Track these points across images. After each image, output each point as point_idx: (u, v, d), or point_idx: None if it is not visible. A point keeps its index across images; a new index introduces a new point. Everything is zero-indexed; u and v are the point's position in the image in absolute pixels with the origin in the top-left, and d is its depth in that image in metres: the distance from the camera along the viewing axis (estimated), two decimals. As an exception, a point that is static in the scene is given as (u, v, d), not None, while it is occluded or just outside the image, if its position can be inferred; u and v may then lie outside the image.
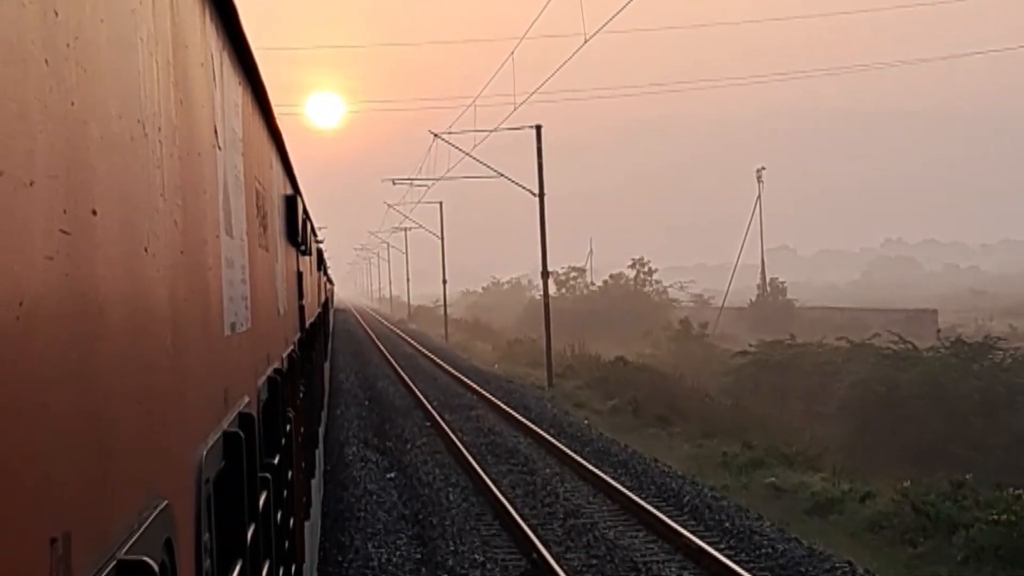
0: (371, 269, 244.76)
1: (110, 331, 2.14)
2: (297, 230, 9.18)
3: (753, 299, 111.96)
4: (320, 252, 24.42)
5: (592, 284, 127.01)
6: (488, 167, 55.80)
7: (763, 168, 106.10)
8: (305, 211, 11.39)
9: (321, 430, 21.18)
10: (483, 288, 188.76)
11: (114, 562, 1.99)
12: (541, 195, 51.14)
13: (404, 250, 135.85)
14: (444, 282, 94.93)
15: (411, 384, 45.49)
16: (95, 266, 2.04)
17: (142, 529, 2.22)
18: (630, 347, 72.97)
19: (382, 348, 70.47)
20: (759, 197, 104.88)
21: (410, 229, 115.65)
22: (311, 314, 14.62)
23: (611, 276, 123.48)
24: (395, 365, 55.50)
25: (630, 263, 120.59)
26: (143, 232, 2.48)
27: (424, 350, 69.20)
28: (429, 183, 78.36)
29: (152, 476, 2.46)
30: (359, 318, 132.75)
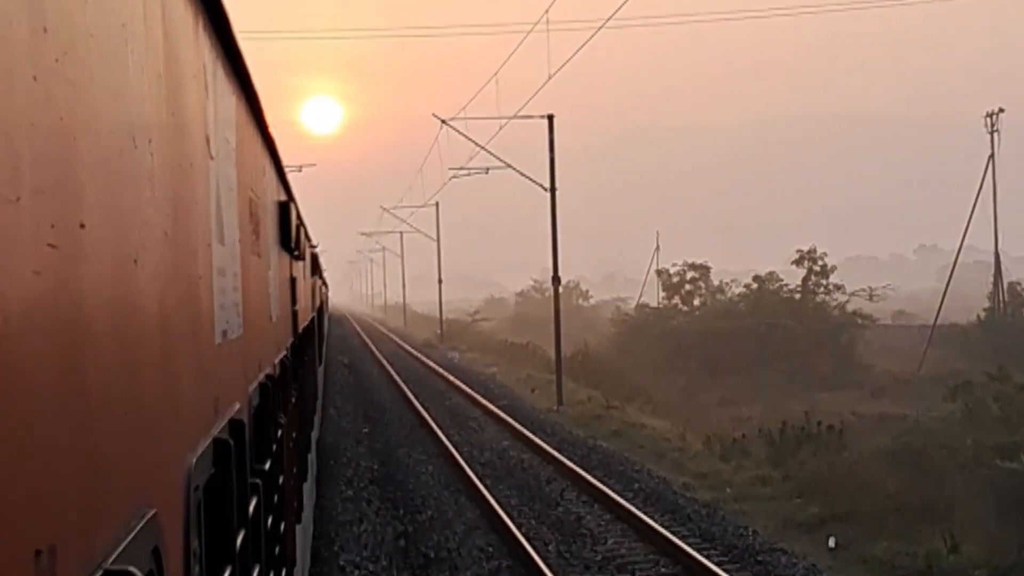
0: (374, 270, 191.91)
1: (98, 343, 2.16)
2: (290, 236, 9.19)
3: (981, 315, 74.55)
4: (315, 256, 24.45)
5: (724, 290, 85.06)
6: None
7: (1000, 110, 72.63)
8: (299, 216, 11.41)
9: (314, 434, 21.18)
10: (518, 294, 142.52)
11: (100, 572, 2.01)
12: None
13: (435, 235, 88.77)
14: (556, 279, 44.75)
15: None
16: (83, 279, 2.06)
17: (129, 538, 2.24)
18: (860, 405, 45.58)
19: (457, 456, 27.30)
20: (992, 156, 72.82)
21: (473, 170, 59.71)
22: (304, 319, 14.64)
23: (755, 279, 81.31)
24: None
25: (795, 257, 78.70)
26: (132, 244, 2.50)
27: (573, 466, 25.52)
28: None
29: (140, 485, 2.48)
30: (366, 339, 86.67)
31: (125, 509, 2.30)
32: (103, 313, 2.20)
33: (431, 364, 58.86)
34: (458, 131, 50.74)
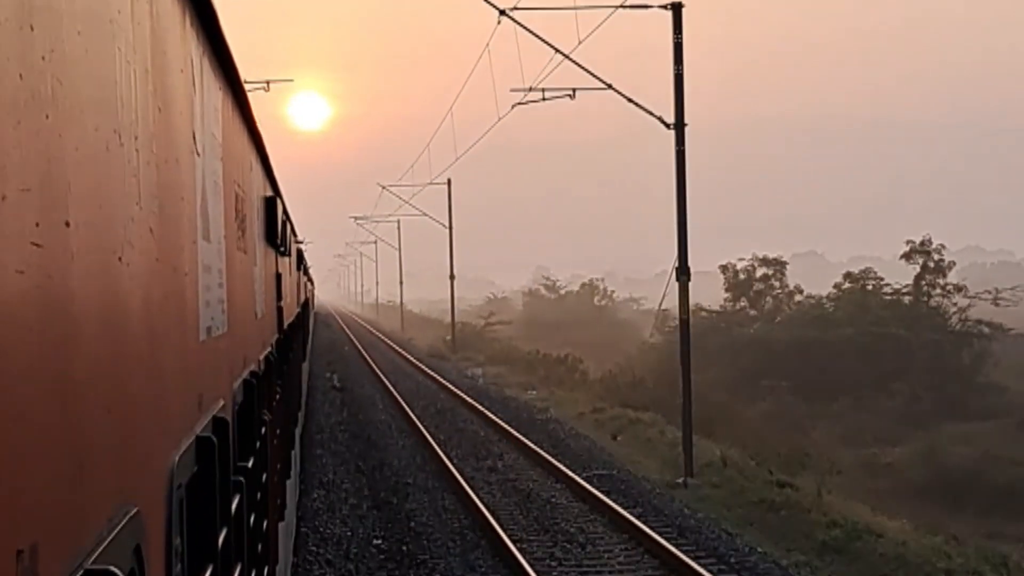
0: (364, 265, 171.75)
1: (82, 341, 2.15)
2: (276, 232, 9.19)
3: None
4: (300, 252, 24.42)
5: (801, 290, 67.82)
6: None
7: None
8: (285, 212, 11.40)
9: (298, 431, 21.14)
10: (527, 293, 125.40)
11: (81, 571, 2.01)
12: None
13: (446, 219, 71.58)
14: (684, 271, 27.36)
15: None
16: (68, 277, 2.05)
17: (111, 537, 2.23)
18: None
19: None
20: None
21: (549, 92, 34.43)
22: (290, 315, 14.63)
23: (846, 276, 66.60)
24: None
25: (905, 250, 64.66)
26: (118, 241, 2.49)
27: None
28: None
29: (123, 484, 2.47)
30: (360, 348, 68.12)
31: (107, 507, 2.29)
32: (88, 311, 2.19)
33: (451, 387, 43.05)
34: (524, 27, 29.60)
